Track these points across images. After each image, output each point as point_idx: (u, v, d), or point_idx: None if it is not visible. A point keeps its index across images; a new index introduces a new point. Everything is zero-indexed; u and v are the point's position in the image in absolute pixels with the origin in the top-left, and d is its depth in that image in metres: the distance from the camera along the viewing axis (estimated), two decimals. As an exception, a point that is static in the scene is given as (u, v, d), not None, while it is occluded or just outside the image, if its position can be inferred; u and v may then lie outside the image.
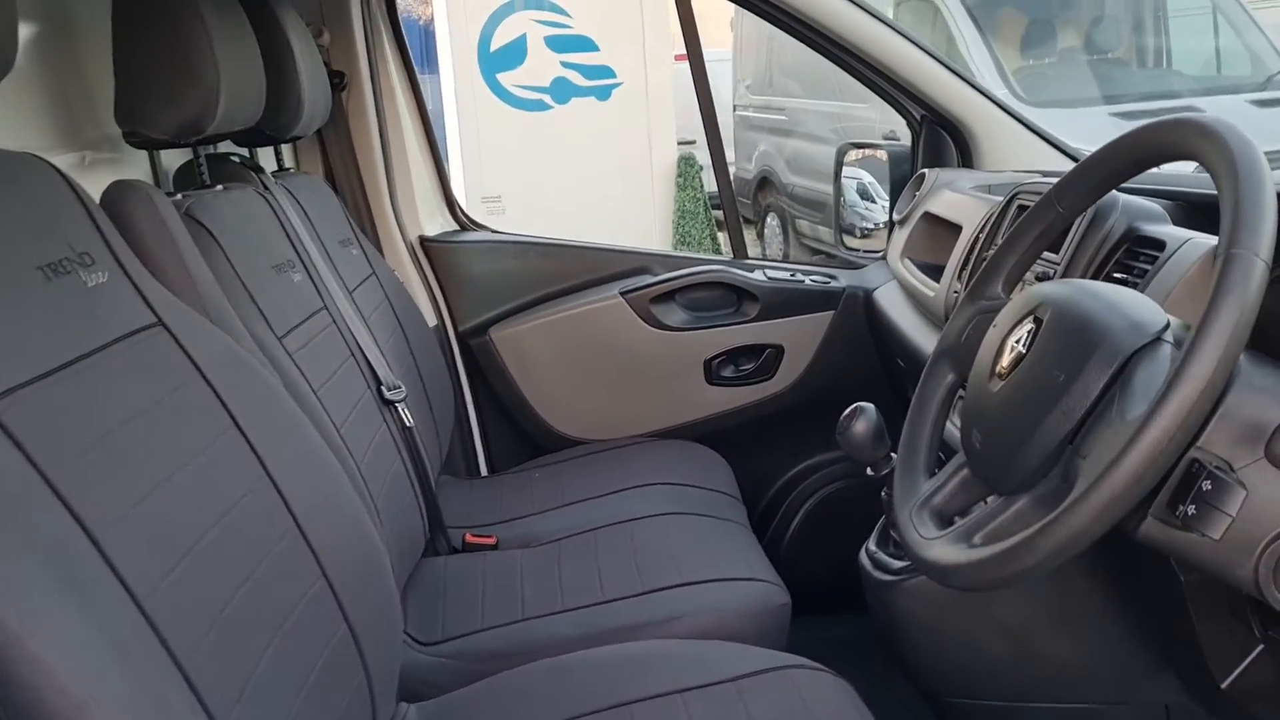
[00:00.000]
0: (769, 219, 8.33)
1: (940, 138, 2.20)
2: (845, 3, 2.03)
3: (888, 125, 6.77)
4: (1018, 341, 0.94)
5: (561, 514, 1.86)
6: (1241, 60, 6.70)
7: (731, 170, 9.04)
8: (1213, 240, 1.14)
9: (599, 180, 7.21)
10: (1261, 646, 1.05)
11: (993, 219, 1.54)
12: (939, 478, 1.04)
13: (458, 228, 2.36)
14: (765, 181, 8.28)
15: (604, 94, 7.33)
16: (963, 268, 1.64)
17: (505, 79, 7.21)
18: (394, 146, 2.18)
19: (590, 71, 7.29)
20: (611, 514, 1.76)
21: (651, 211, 7.53)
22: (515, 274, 2.26)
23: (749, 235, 9.12)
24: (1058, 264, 1.31)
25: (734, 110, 8.98)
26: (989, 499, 0.92)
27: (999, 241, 1.48)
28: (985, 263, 1.14)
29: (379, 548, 1.21)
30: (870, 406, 1.31)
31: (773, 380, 2.25)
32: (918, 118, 2.24)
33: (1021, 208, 1.48)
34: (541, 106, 7.27)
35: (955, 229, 1.91)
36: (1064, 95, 6.08)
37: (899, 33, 2.08)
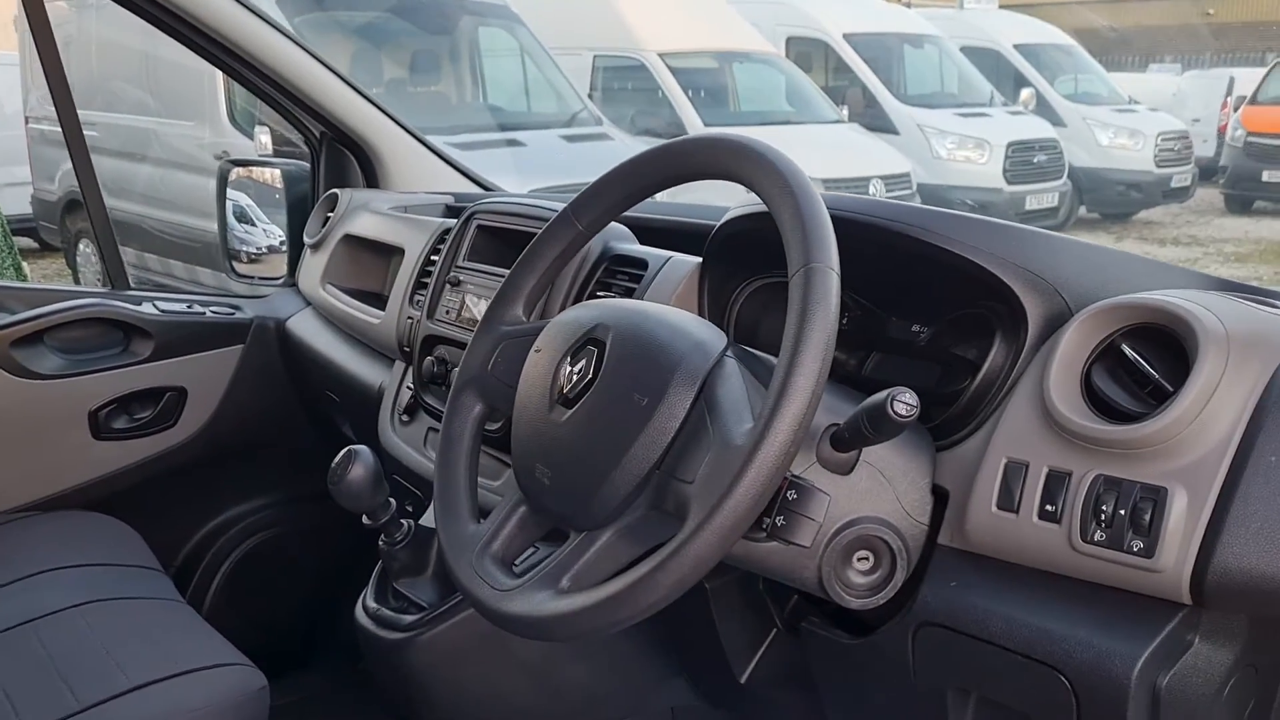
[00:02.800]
0: (81, 245, 7.44)
1: (342, 157, 2.10)
2: (242, 10, 1.83)
3: (221, 144, 6.43)
4: (577, 368, 0.89)
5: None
6: (547, 99, 7.50)
7: (30, 191, 7.92)
8: (690, 259, 1.20)
9: None
10: (776, 629, 1.12)
11: (449, 240, 1.47)
12: (493, 521, 0.95)
13: None
14: (75, 204, 7.37)
15: None
16: (414, 291, 1.55)
17: None
18: None
19: None
20: (6, 615, 1.38)
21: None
22: None
23: (58, 263, 8.06)
24: None
25: (26, 123, 7.89)
26: (573, 538, 0.86)
27: (465, 263, 1.43)
28: (502, 285, 1.07)
29: None
30: (364, 449, 1.18)
31: (176, 428, 1.95)
32: (317, 135, 2.10)
33: (484, 229, 1.44)
34: None
35: (385, 251, 1.83)
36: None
37: (302, 47, 1.93)
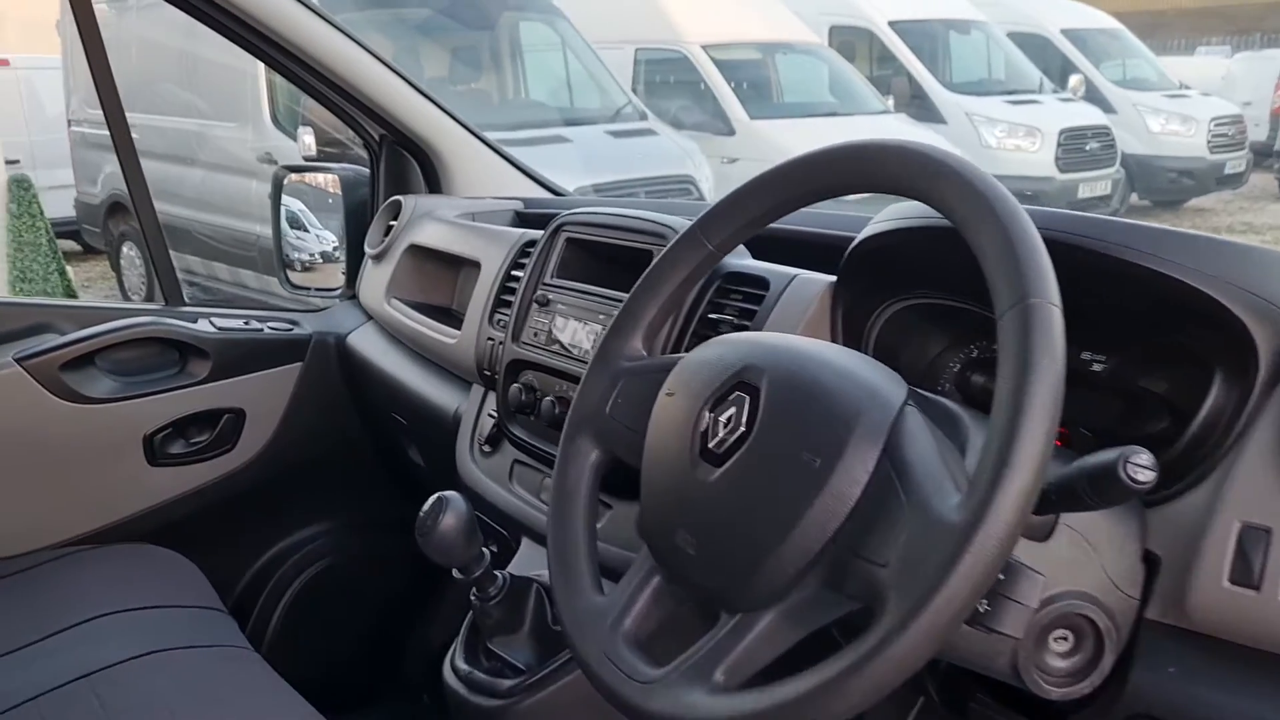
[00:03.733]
0: (125, 248, 7.41)
1: (403, 160, 1.97)
2: (299, 7, 1.71)
3: (264, 145, 6.35)
4: (725, 418, 0.76)
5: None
6: (590, 94, 7.35)
7: (73, 194, 7.90)
8: (820, 277, 1.06)
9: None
10: (924, 699, 0.98)
11: (535, 255, 1.34)
12: (623, 592, 0.81)
13: None
14: (118, 207, 7.34)
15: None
16: (494, 310, 1.43)
17: None
18: None
19: None
20: (63, 669, 1.27)
21: (-24, 244, 6.25)
22: None
23: (101, 265, 8.03)
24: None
25: (69, 126, 7.87)
26: (724, 619, 0.72)
27: (553, 280, 1.30)
28: (618, 314, 0.94)
29: None
30: (455, 497, 1.05)
31: (234, 452, 1.84)
32: (376, 138, 1.98)
33: (574, 242, 1.31)
34: None
35: (454, 263, 1.70)
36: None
37: (360, 45, 1.81)
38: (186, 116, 6.84)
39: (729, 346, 0.81)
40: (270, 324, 1.90)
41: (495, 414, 1.37)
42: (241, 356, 1.83)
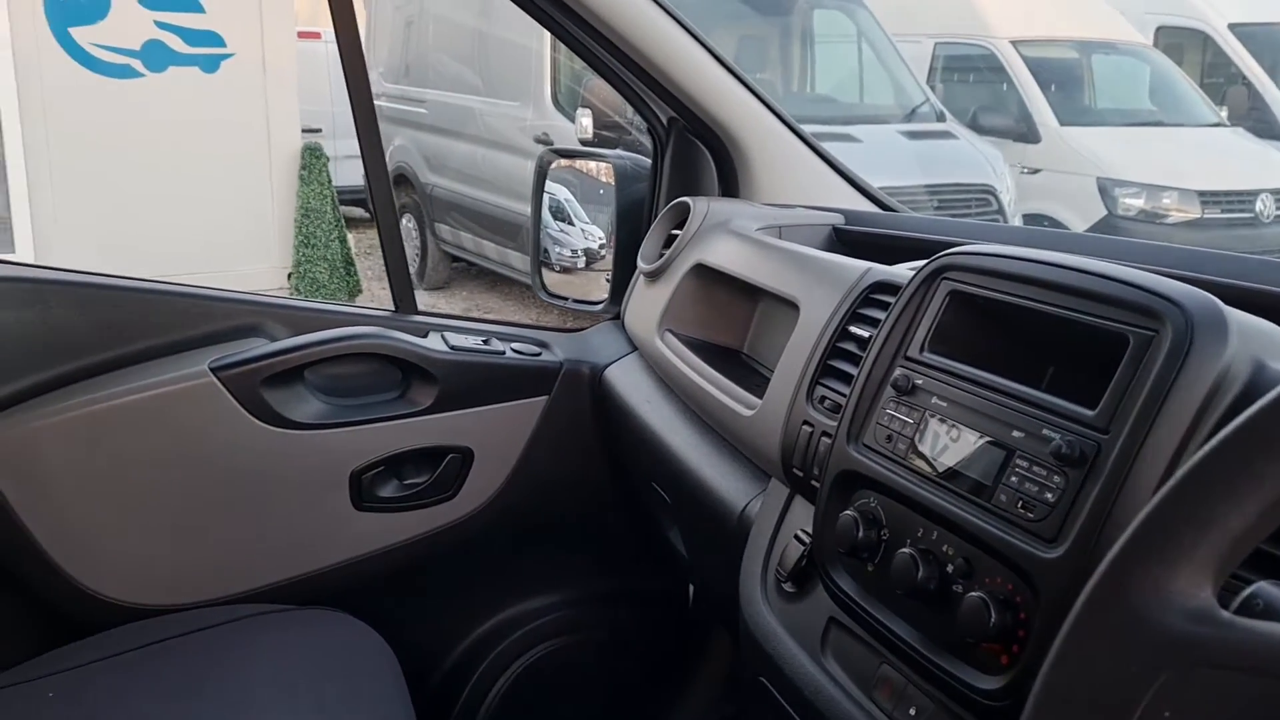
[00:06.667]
0: (405, 220, 7.51)
1: (694, 151, 1.55)
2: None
3: (541, 125, 6.19)
4: None
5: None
6: (883, 90, 6.76)
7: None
8: None
9: (204, 167, 6.06)
10: None
11: (898, 309, 0.87)
12: None
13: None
14: (401, 179, 7.45)
15: (210, 65, 6.16)
16: (817, 379, 0.97)
17: (81, 35, 5.83)
18: None
19: (193, 37, 6.09)
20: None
21: (269, 208, 6.43)
22: (18, 334, 1.33)
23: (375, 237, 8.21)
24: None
25: (367, 98, 8.06)
26: None
27: (925, 354, 0.83)
28: (1159, 510, 0.46)
29: None
30: None
31: (456, 500, 1.49)
32: (664, 122, 1.57)
33: (963, 298, 0.83)
34: (129, 73, 5.96)
35: (754, 294, 1.27)
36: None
37: (663, 7, 1.41)
38: (472, 94, 6.80)
39: None
40: (514, 345, 1.53)
41: (807, 537, 0.91)
42: (475, 384, 1.47)
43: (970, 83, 8.04)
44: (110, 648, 1.25)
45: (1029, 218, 6.76)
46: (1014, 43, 7.63)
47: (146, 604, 1.36)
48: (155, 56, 6.01)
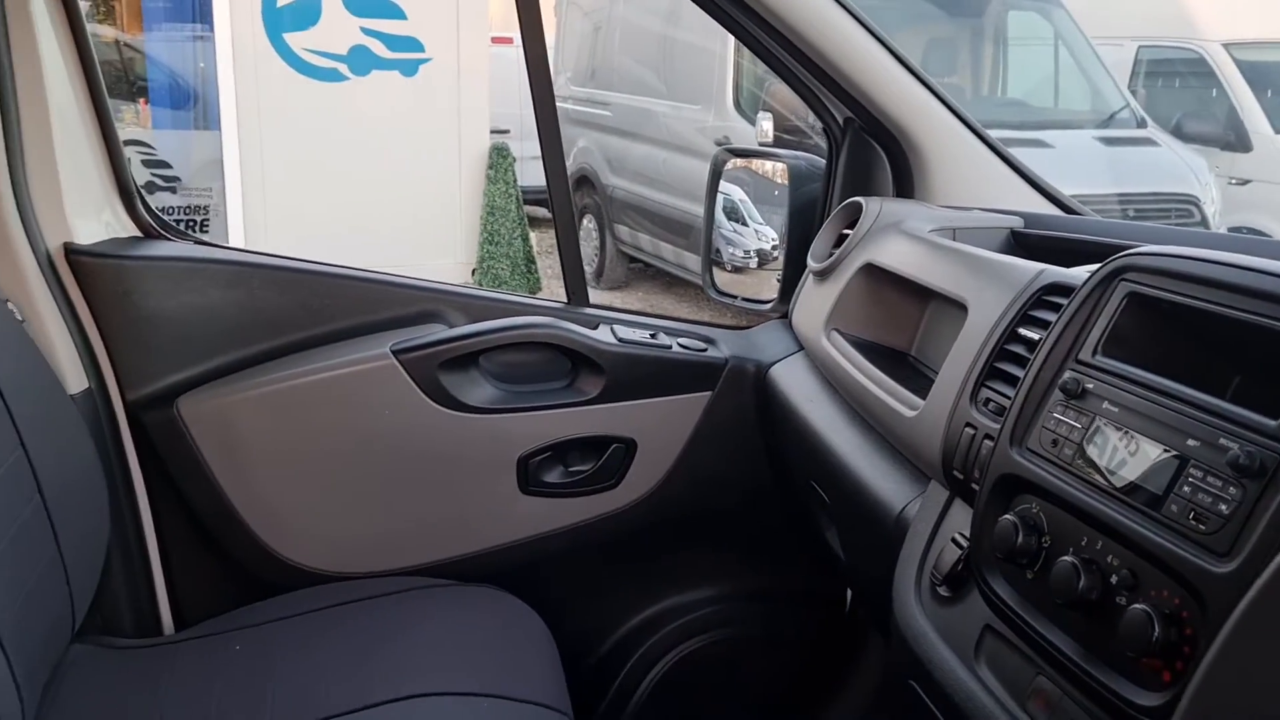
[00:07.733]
0: (585, 220, 7.67)
1: (870, 152, 1.54)
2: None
3: (722, 128, 6.21)
4: None
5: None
6: (1080, 94, 6.47)
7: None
8: None
9: (398, 165, 6.34)
10: None
11: (1069, 311, 0.84)
12: None
13: (138, 233, 1.51)
14: (584, 180, 7.62)
15: (410, 69, 6.44)
16: (982, 381, 0.95)
17: (295, 41, 6.21)
18: (28, 101, 1.32)
19: (395, 42, 6.39)
20: None
21: (457, 204, 6.69)
22: (225, 312, 1.44)
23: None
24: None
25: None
26: None
27: (1098, 358, 0.80)
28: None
29: None
30: None
31: (618, 489, 1.52)
32: (840, 122, 1.56)
33: (1142, 300, 0.79)
34: (336, 77, 6.30)
35: (923, 295, 1.25)
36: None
37: (842, 6, 1.40)
38: (655, 97, 6.88)
39: None
40: (680, 340, 1.55)
41: (965, 541, 0.90)
42: (641, 376, 1.50)
43: (1175, 87, 7.59)
44: (291, 608, 1.34)
45: (1234, 230, 6.35)
46: (1226, 45, 7.16)
47: (325, 570, 1.44)
48: (360, 61, 6.33)
